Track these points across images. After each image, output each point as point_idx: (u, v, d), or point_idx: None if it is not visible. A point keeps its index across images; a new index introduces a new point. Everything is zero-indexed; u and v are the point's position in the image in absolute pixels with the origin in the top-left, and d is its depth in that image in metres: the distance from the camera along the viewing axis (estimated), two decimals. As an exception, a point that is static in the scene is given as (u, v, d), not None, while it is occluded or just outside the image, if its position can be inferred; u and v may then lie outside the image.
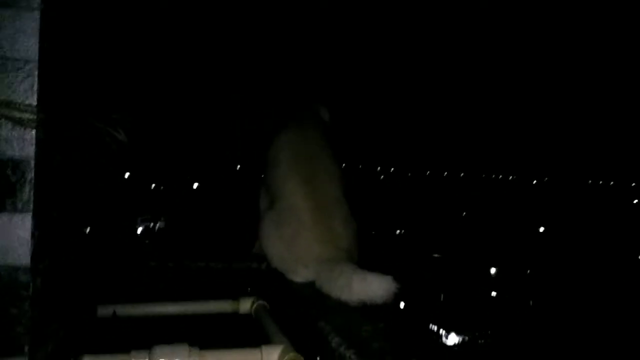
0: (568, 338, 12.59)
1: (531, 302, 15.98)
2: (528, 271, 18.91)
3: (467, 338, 13.03)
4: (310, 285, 2.26)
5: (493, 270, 17.86)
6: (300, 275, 2.34)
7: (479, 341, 12.94)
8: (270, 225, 2.49)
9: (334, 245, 2.39)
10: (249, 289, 2.77)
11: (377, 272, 2.07)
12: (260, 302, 2.20)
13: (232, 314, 2.32)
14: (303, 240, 2.31)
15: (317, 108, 3.22)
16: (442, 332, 13.01)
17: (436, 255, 15.76)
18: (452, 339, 12.63)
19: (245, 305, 2.19)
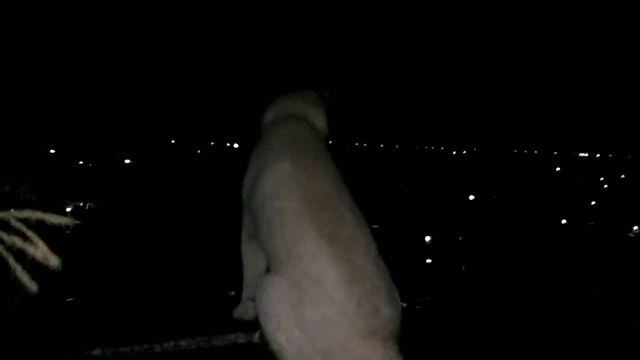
0: (499, 300, 13.33)
1: (464, 268, 16.78)
2: (460, 238, 19.80)
3: (404, 305, 13.49)
4: None
5: (428, 239, 18.54)
6: None
7: (417, 307, 13.44)
8: (279, 301, 1.67)
9: (381, 337, 1.68)
10: None
11: None
12: None
13: None
14: (338, 331, 1.57)
15: (311, 102, 1.95)
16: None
17: (375, 226, 16.11)
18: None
19: None
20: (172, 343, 1.72)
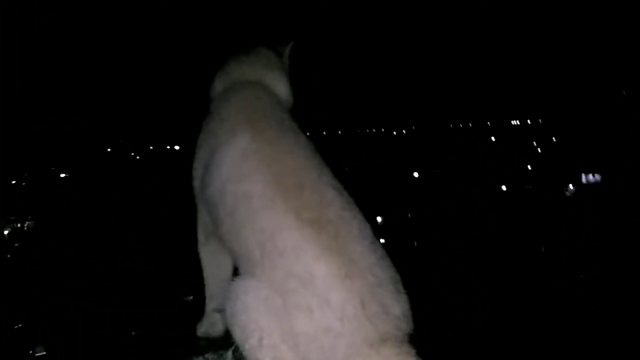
0: (454, 272, 13.79)
1: (415, 244, 17.23)
2: (409, 215, 20.30)
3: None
4: None
5: (379, 219, 18.95)
6: None
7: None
8: (259, 311, 1.26)
9: (394, 343, 1.12)
10: None
11: None
12: None
13: None
14: (340, 341, 1.16)
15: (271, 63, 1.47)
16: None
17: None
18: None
19: None
20: None
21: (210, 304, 1.60)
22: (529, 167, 29.45)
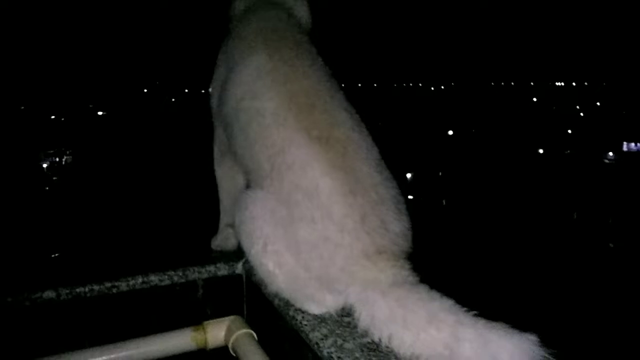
0: (480, 232, 13.72)
1: (444, 202, 17.16)
2: (440, 173, 20.13)
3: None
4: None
5: (409, 175, 18.86)
6: (325, 305, 1.10)
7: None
8: (265, 220, 1.16)
9: (390, 255, 1.26)
10: (209, 311, 1.26)
11: (506, 328, 0.89)
12: (245, 329, 1.01)
13: (196, 353, 1.13)
14: (338, 251, 1.09)
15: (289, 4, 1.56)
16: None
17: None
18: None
19: (218, 334, 1.06)
20: (139, 279, 1.07)
21: (224, 219, 1.68)
22: (569, 131, 28.68)
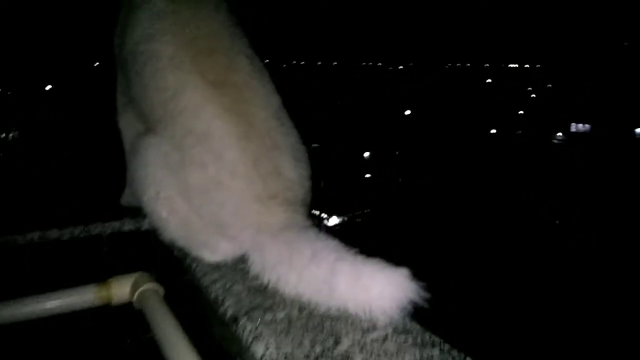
0: (436, 208, 14.01)
1: (400, 180, 17.39)
2: (397, 152, 20.38)
3: (346, 219, 13.97)
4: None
5: (366, 154, 19.03)
6: (220, 252, 1.04)
7: (357, 220, 13.97)
8: (157, 165, 1.12)
9: (283, 200, 1.23)
10: (119, 269, 1.17)
11: (381, 263, 0.87)
12: (150, 284, 0.97)
13: (99, 309, 1.09)
14: (230, 195, 1.06)
15: None
16: (324, 215, 13.77)
17: (314, 145, 16.35)
18: (333, 221, 13.48)
19: (122, 291, 1.01)
20: (36, 234, 0.99)
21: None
22: (520, 112, 29.56)
